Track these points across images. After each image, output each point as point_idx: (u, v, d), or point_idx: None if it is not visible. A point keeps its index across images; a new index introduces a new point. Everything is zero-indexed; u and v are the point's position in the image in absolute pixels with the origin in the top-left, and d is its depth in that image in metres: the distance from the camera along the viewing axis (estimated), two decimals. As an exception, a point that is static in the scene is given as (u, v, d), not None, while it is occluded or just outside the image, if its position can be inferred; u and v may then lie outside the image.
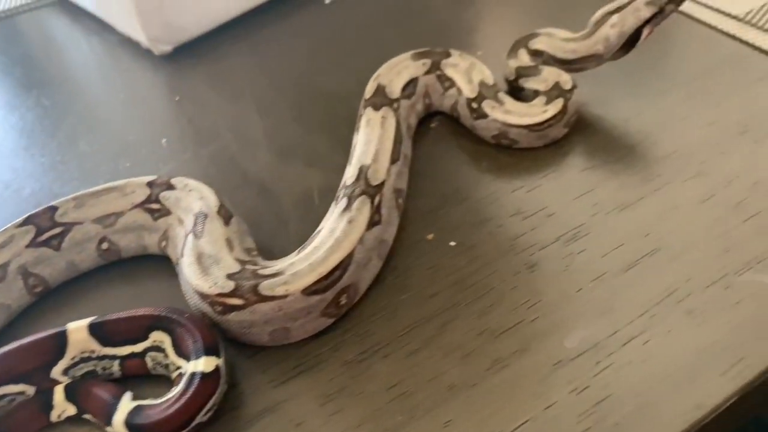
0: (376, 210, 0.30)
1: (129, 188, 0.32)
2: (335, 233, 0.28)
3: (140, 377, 0.28)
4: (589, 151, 0.36)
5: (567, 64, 0.37)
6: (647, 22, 0.35)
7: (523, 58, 0.38)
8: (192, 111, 0.42)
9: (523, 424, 0.25)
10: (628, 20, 0.35)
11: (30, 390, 0.26)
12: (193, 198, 0.31)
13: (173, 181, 0.32)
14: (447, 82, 0.38)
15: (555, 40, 0.38)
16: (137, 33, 0.46)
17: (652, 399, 0.25)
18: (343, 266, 0.28)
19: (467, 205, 0.34)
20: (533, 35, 0.39)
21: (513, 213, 0.33)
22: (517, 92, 0.38)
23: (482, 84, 0.37)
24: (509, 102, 0.36)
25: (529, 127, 0.35)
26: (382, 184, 0.31)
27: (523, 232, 0.32)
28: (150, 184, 0.32)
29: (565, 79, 0.36)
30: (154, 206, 0.32)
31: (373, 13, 0.49)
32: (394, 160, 0.33)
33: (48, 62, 0.48)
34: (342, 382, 0.27)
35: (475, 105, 0.36)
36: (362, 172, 0.31)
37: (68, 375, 0.27)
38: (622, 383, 0.26)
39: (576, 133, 0.37)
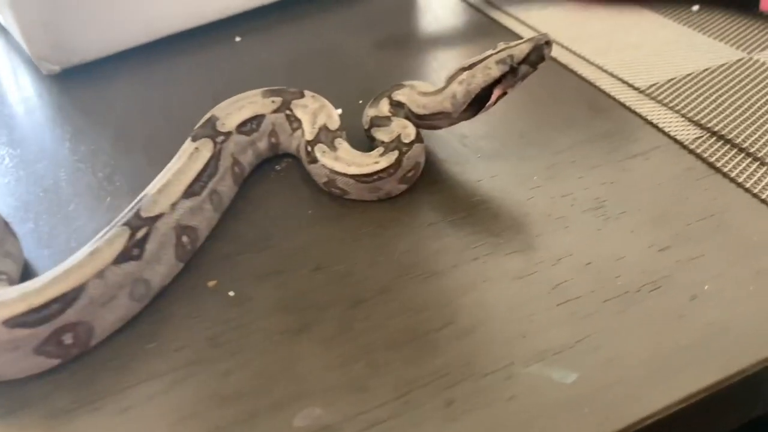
0: (136, 244, 0.27)
1: None
2: (70, 263, 0.26)
3: None
4: (423, 210, 0.33)
5: (421, 120, 0.35)
6: (498, 82, 0.32)
7: (383, 109, 0.36)
8: (55, 132, 0.41)
9: None
10: (477, 78, 0.32)
11: None
12: (-41, 212, 0.29)
13: (-47, 193, 0.30)
14: (295, 123, 0.35)
15: (414, 92, 0.35)
16: (28, 51, 0.45)
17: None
18: (65, 300, 0.25)
19: (269, 254, 0.31)
20: (399, 86, 0.36)
21: (313, 267, 0.30)
22: (371, 142, 0.36)
23: (323, 128, 0.34)
24: (343, 149, 0.33)
25: (355, 177, 0.32)
26: (158, 217, 0.28)
27: (312, 290, 0.29)
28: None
29: (408, 132, 0.33)
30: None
31: (278, 54, 0.48)
32: (190, 195, 0.30)
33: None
34: (36, 433, 0.24)
35: (309, 148, 0.34)
36: (140, 201, 0.29)
37: None
38: (339, 476, 0.22)
39: (418, 189, 0.34)
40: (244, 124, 0.35)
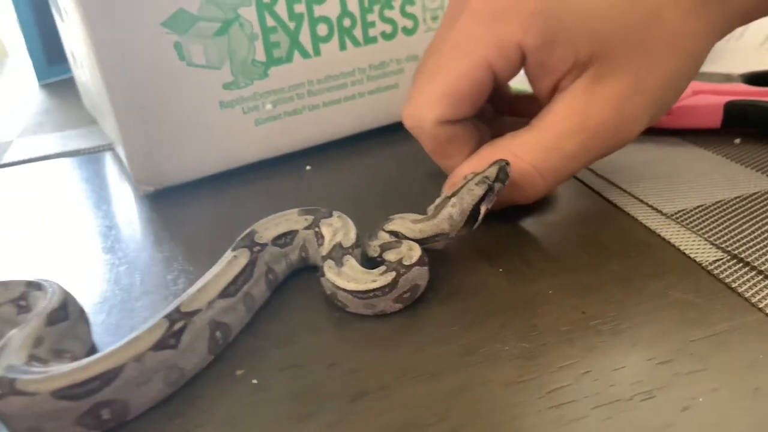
0: (173, 335, 0.31)
1: (12, 285, 0.37)
2: (114, 347, 0.30)
3: None
4: (432, 320, 0.35)
5: (418, 243, 0.38)
6: (482, 199, 0.37)
7: (384, 237, 0.39)
8: (137, 242, 0.48)
9: None
10: (465, 199, 0.38)
11: None
12: (44, 298, 0.35)
13: (44, 282, 0.36)
14: (320, 239, 0.40)
15: (406, 221, 0.39)
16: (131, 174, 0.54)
17: None
18: (105, 378, 0.29)
19: (291, 349, 0.34)
20: (388, 220, 0.40)
21: (327, 363, 0.33)
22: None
23: (338, 245, 0.38)
24: (349, 266, 0.37)
25: (352, 293, 0.35)
26: (194, 312, 0.33)
27: (322, 382, 0.32)
28: (28, 284, 0.37)
29: (411, 255, 0.36)
30: (22, 303, 0.36)
31: (341, 182, 0.54)
32: (225, 295, 0.34)
33: (70, 192, 0.58)
34: (66, 488, 0.27)
35: (321, 263, 0.38)
36: (182, 299, 0.33)
37: None
38: None
39: (411, 310, 0.36)
40: (279, 237, 0.39)
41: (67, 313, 0.35)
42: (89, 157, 0.67)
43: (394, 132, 0.63)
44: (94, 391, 0.29)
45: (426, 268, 0.37)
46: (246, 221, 0.45)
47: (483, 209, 0.38)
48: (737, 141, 0.52)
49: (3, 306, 0.36)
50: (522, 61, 0.37)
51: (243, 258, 0.37)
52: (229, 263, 0.36)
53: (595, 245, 0.40)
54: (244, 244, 0.38)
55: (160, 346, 0.31)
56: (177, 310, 0.33)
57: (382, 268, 0.36)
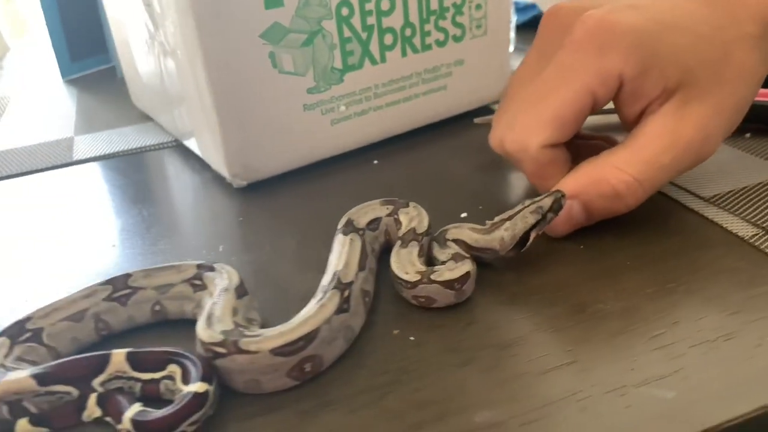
0: (345, 301, 0.39)
1: (183, 267, 0.44)
2: (308, 313, 0.37)
3: (154, 400, 0.36)
4: (512, 295, 0.44)
5: (472, 250, 0.45)
6: (534, 226, 0.43)
7: (454, 247, 0.45)
8: (247, 230, 0.54)
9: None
10: (518, 226, 0.43)
11: (75, 392, 0.36)
12: (223, 278, 0.42)
13: (215, 265, 0.43)
14: (399, 224, 0.48)
15: (464, 229, 0.46)
16: (223, 170, 0.60)
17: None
18: (308, 338, 0.36)
19: (425, 313, 0.42)
20: (446, 230, 0.47)
21: (467, 323, 0.41)
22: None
23: (412, 230, 0.46)
24: (408, 251, 0.44)
25: (393, 272, 0.43)
26: (351, 283, 0.40)
27: (467, 338, 0.40)
28: (199, 266, 0.43)
29: (443, 273, 0.41)
30: (197, 282, 0.43)
31: (403, 175, 0.61)
32: (361, 269, 0.42)
33: (155, 186, 0.64)
34: (293, 425, 0.35)
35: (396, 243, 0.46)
36: (335, 275, 0.40)
37: (103, 387, 0.36)
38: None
39: (514, 280, 0.45)
40: (370, 223, 0.47)
41: (245, 289, 0.42)
42: (155, 153, 0.72)
43: (440, 128, 0.71)
44: (300, 349, 0.36)
45: (451, 291, 0.42)
46: (332, 210, 0.51)
47: (533, 236, 0.43)
48: (748, 135, 0.62)
49: (179, 285, 0.43)
50: (618, 89, 0.43)
51: (357, 240, 0.44)
52: (350, 245, 0.44)
53: (652, 225, 0.49)
54: (351, 229, 0.46)
55: (340, 310, 0.38)
56: (339, 281, 0.40)
57: (425, 268, 0.42)
